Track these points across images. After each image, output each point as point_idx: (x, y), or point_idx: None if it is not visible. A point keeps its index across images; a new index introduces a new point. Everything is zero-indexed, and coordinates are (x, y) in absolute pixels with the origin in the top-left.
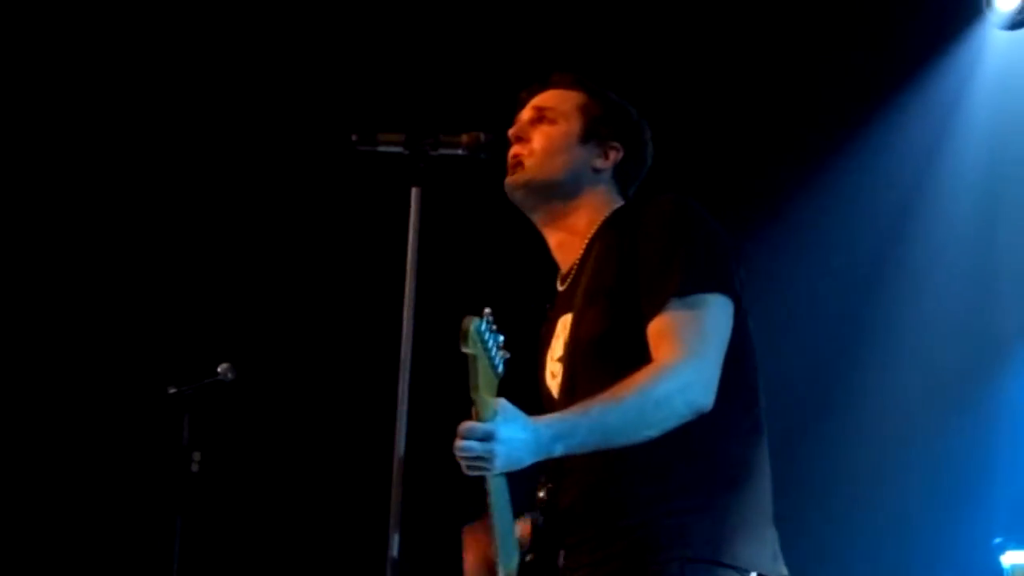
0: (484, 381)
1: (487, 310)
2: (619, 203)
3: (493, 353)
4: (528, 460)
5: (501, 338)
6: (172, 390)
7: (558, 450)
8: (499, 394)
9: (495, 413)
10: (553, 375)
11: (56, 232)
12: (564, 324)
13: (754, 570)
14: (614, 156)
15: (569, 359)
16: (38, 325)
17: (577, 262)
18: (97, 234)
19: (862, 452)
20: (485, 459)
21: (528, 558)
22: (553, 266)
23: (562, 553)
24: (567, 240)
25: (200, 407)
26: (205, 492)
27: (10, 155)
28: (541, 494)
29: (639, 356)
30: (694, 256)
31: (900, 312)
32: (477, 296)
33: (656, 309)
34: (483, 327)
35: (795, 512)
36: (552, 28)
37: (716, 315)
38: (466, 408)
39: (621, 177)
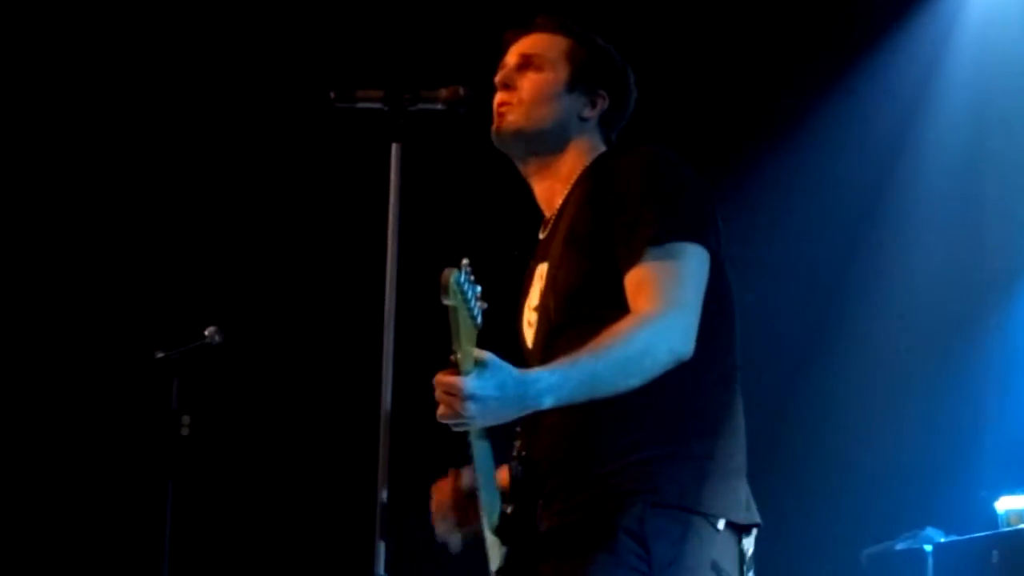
0: (464, 333)
1: (465, 261)
2: (602, 149)
3: (472, 304)
4: (512, 414)
5: (479, 289)
6: (160, 354)
7: (547, 403)
8: (481, 346)
9: (474, 367)
10: (530, 324)
11: (43, 197)
12: (541, 273)
13: (723, 517)
14: (601, 104)
15: (544, 308)
16: (24, 291)
17: (557, 210)
18: (83, 198)
19: (851, 402)
20: (461, 417)
21: (508, 510)
22: (536, 216)
23: (540, 503)
24: (551, 187)
25: (188, 371)
26: (195, 456)
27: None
28: (517, 444)
29: (613, 306)
30: (669, 205)
31: (887, 259)
32: (459, 250)
33: (633, 259)
34: (462, 278)
35: (785, 465)
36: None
37: (693, 264)
38: (449, 362)
39: (606, 123)
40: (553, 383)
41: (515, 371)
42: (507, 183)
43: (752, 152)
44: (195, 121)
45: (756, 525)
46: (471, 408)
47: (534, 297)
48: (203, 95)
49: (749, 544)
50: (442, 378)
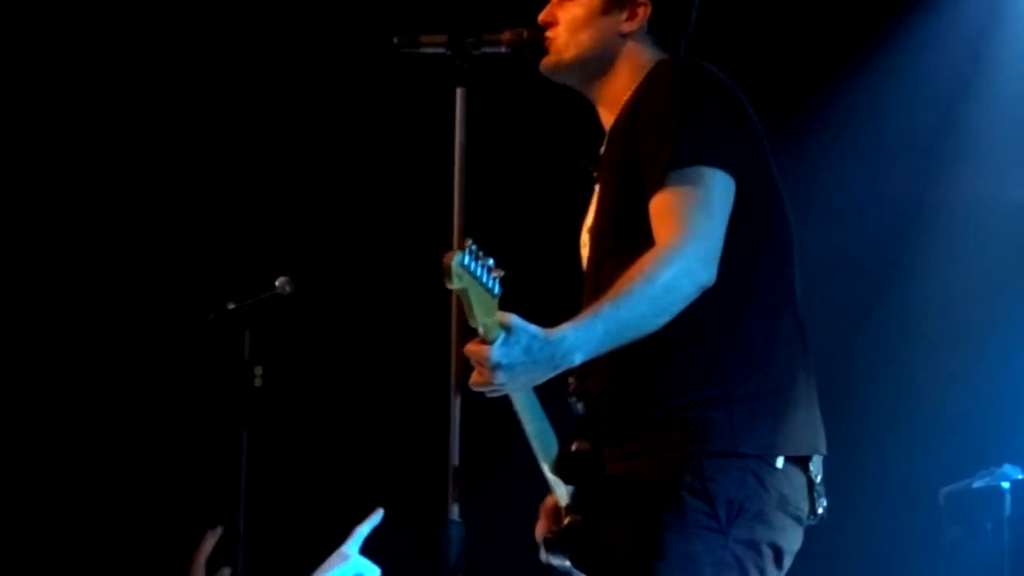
0: (481, 307)
1: (468, 240)
2: (658, 57)
3: (485, 279)
4: (545, 375)
5: (491, 261)
6: (231, 306)
7: (578, 359)
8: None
9: (499, 335)
10: (584, 244)
11: (113, 153)
12: (596, 194)
13: (781, 454)
14: (643, 13)
15: (593, 232)
16: (94, 246)
17: (609, 130)
18: (152, 153)
19: (928, 339)
20: (492, 386)
21: (574, 447)
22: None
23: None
24: (608, 105)
25: (260, 322)
26: (269, 406)
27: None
28: (572, 380)
29: (647, 234)
30: (688, 127)
31: (961, 197)
32: (528, 196)
33: (654, 186)
34: (466, 260)
35: (861, 403)
36: None
37: (713, 189)
38: (514, 310)
39: (658, 30)
40: (579, 339)
41: (540, 332)
42: (575, 125)
43: (817, 85)
44: (262, 71)
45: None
46: (501, 376)
47: (589, 217)
48: (268, 45)
49: (817, 470)
50: (470, 348)
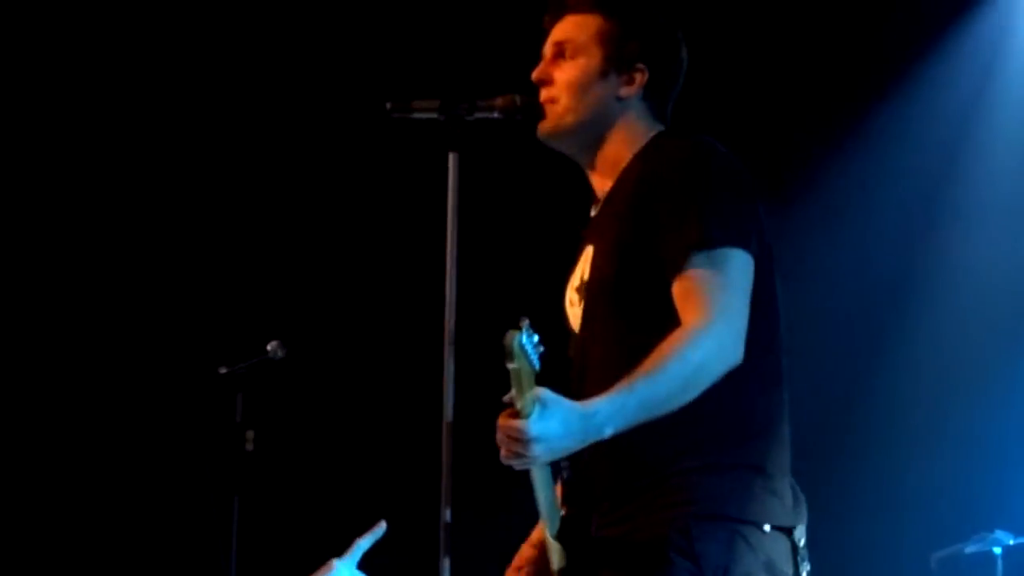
0: (527, 384)
1: (525, 321)
2: (654, 127)
3: (532, 357)
4: (575, 448)
5: (537, 338)
6: (223, 370)
7: (608, 432)
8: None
9: (534, 408)
10: (571, 303)
11: (105, 214)
12: (587, 255)
13: (766, 523)
14: (640, 79)
15: (586, 293)
16: (89, 308)
17: (608, 192)
18: (145, 215)
19: (920, 403)
20: (525, 458)
21: (563, 512)
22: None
23: (592, 508)
24: (601, 170)
25: (252, 386)
26: (260, 470)
27: (59, 129)
28: None
29: (649, 302)
30: (714, 208)
31: (952, 256)
32: (519, 258)
33: (678, 265)
34: (524, 339)
35: (854, 468)
36: None
37: (738, 270)
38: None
39: (653, 97)
40: (612, 412)
41: (575, 406)
42: (567, 188)
43: (810, 152)
44: (257, 137)
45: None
46: (538, 449)
47: (576, 277)
48: (266, 112)
49: (800, 535)
50: (506, 422)
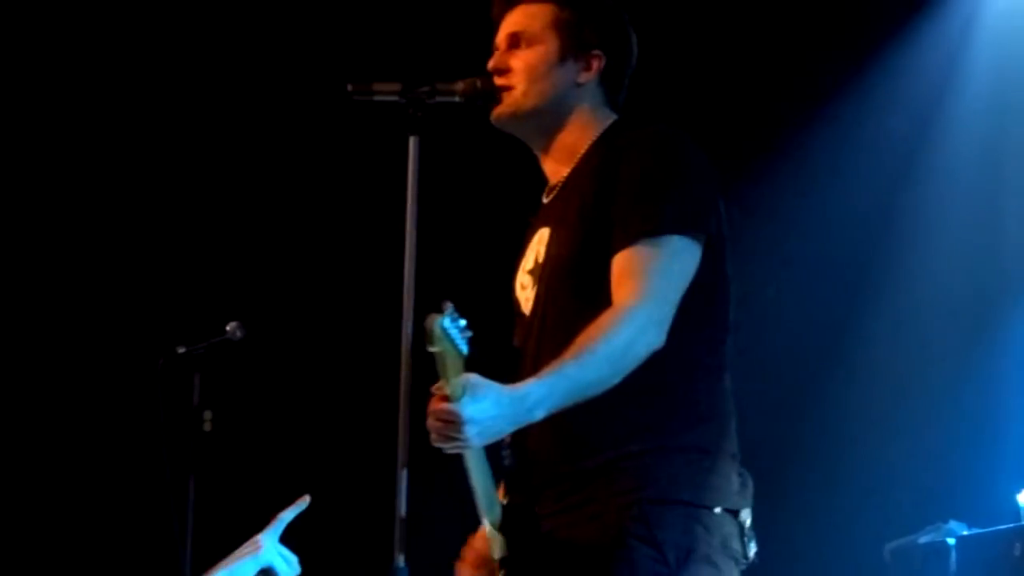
0: (452, 368)
1: (449, 305)
2: (608, 116)
3: (458, 341)
4: (507, 430)
5: (463, 322)
6: (181, 350)
7: (539, 415)
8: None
9: (463, 392)
10: (523, 286)
11: (65, 195)
12: (540, 238)
13: (717, 506)
14: (597, 65)
15: (540, 275)
16: (45, 288)
17: (564, 179)
18: (105, 196)
19: (873, 395)
20: (458, 440)
21: (504, 501)
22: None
23: (537, 496)
24: (557, 159)
25: (210, 366)
26: (217, 451)
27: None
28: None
29: (605, 284)
30: (670, 196)
31: (907, 253)
32: (477, 241)
33: (624, 243)
34: (447, 323)
35: (807, 459)
36: None
37: (681, 257)
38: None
39: (608, 83)
40: (543, 395)
41: (505, 388)
42: (525, 174)
43: (767, 150)
44: (213, 117)
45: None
46: (471, 431)
47: (529, 260)
48: (222, 91)
49: (746, 516)
50: (438, 405)
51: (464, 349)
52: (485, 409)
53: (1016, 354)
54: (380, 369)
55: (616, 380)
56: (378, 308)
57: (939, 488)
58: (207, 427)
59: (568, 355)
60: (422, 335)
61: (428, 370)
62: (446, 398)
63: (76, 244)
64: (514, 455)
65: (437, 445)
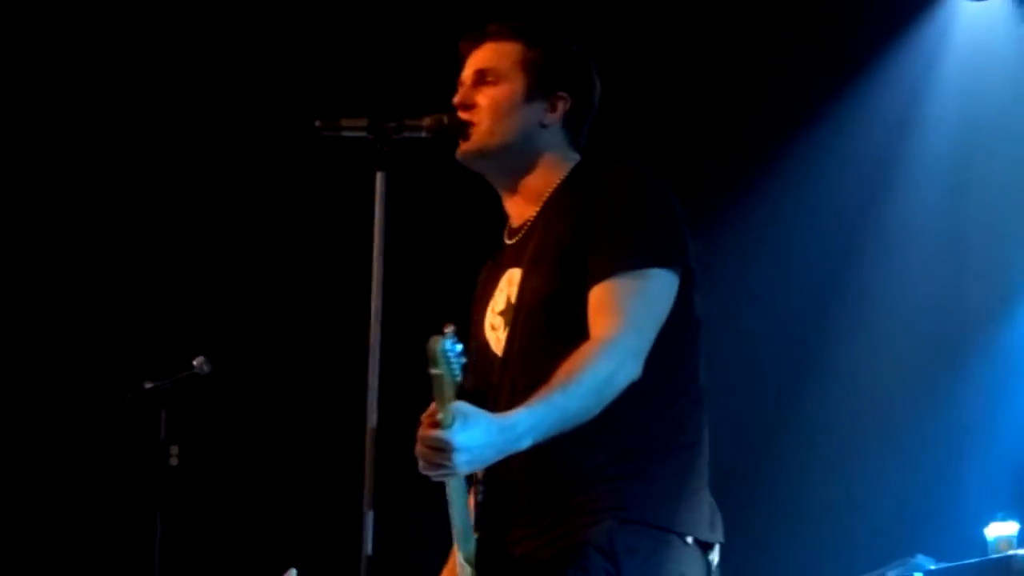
0: (448, 393)
1: (451, 327)
2: (572, 157)
3: (455, 366)
4: (495, 459)
5: (461, 347)
6: (148, 385)
7: (526, 444)
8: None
9: (454, 419)
10: (493, 327)
11: (30, 228)
12: (510, 279)
13: (690, 535)
14: (562, 107)
15: (515, 316)
16: (13, 321)
17: (531, 219)
18: (69, 230)
19: (838, 430)
20: (447, 468)
21: (476, 535)
22: None
23: (509, 528)
24: (523, 199)
25: (177, 401)
26: (184, 486)
27: None
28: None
29: (583, 321)
30: (647, 229)
31: (871, 286)
32: (444, 276)
33: (602, 276)
34: (448, 345)
35: (773, 494)
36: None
37: (658, 289)
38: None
39: (572, 124)
40: (532, 424)
41: (494, 417)
42: (491, 209)
43: (736, 177)
44: (180, 150)
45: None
46: (460, 459)
47: (500, 301)
48: (191, 126)
49: (715, 556)
50: (427, 432)
51: (459, 375)
52: (476, 437)
53: (981, 389)
54: (346, 405)
55: (598, 411)
56: (344, 344)
57: (906, 522)
58: (174, 462)
59: (554, 385)
60: (424, 356)
61: (395, 409)
62: (437, 424)
63: (43, 280)
64: (487, 488)
65: (425, 472)
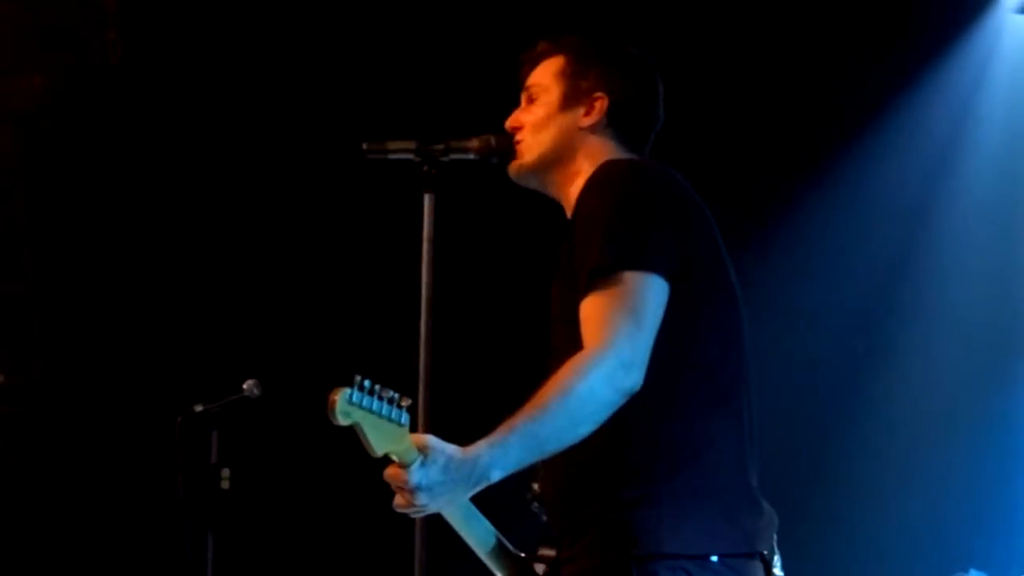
0: (384, 439)
1: (357, 377)
2: (621, 154)
3: (383, 411)
4: (465, 494)
5: (392, 393)
6: (199, 408)
7: (496, 476)
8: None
9: (415, 458)
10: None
11: (81, 252)
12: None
13: (713, 553)
14: (600, 106)
15: (550, 325)
16: (64, 346)
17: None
18: (120, 255)
19: (893, 444)
20: (415, 507)
21: (540, 552)
22: None
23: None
24: (569, 205)
25: (228, 424)
26: (235, 509)
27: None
28: (535, 486)
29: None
30: (616, 231)
31: (927, 300)
32: (494, 298)
33: (584, 288)
34: (353, 396)
35: (826, 510)
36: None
37: (639, 292)
38: (484, 413)
39: (619, 123)
40: (496, 456)
41: (457, 452)
42: (542, 229)
43: (785, 193)
44: (233, 175)
45: (761, 553)
46: (422, 497)
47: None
48: (240, 151)
49: (757, 565)
50: (389, 473)
51: (401, 419)
52: (432, 475)
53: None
54: None
55: (583, 430)
56: (393, 365)
57: (959, 536)
58: (225, 485)
59: (522, 412)
60: (464, 340)
61: (445, 430)
62: (401, 465)
63: (95, 304)
64: (542, 509)
65: (398, 510)
